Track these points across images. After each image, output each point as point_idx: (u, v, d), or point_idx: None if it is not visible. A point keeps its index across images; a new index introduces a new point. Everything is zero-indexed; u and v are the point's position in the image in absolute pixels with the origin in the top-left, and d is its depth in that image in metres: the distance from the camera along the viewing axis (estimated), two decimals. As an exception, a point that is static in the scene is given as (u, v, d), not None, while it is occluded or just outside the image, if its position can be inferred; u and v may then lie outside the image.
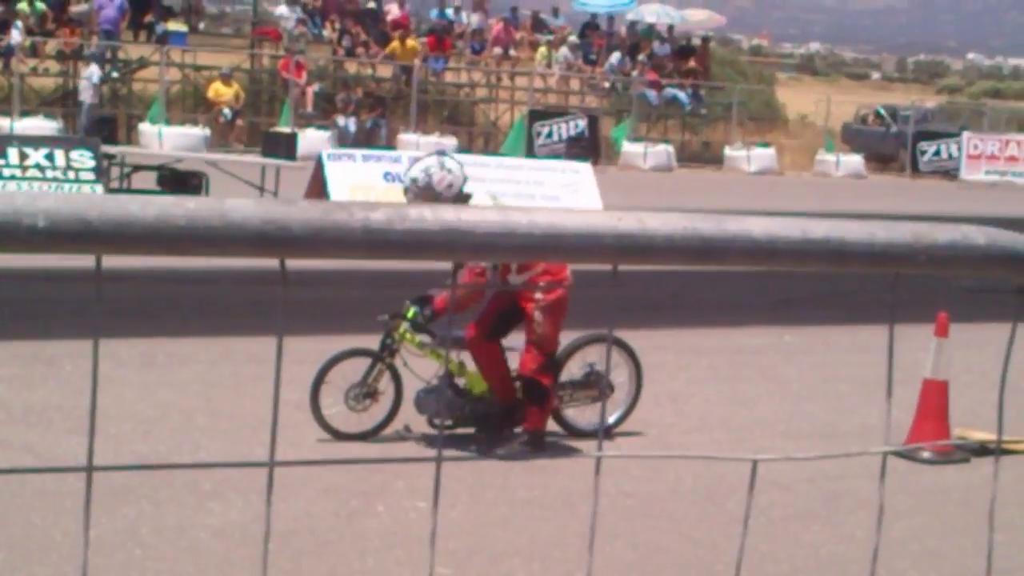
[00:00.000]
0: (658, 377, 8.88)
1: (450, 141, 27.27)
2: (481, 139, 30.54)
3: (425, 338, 7.45)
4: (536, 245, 1.21)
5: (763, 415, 8.75)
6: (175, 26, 28.37)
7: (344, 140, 26.22)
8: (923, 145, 33.81)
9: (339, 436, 7.50)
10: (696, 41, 36.89)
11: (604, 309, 8.25)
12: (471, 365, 7.58)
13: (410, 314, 7.37)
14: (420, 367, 7.48)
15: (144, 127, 25.03)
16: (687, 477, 6.99)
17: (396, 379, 7.59)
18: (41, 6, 26.86)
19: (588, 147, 27.66)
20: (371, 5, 32.05)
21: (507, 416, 7.50)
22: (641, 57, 33.68)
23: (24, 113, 24.58)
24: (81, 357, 7.60)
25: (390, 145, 26.20)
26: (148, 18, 28.28)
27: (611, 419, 7.75)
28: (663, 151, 29.68)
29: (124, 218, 1.01)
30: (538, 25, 35.20)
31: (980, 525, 5.40)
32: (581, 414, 7.85)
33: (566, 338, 7.44)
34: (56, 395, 8.16)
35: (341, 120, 27.24)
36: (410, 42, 30.55)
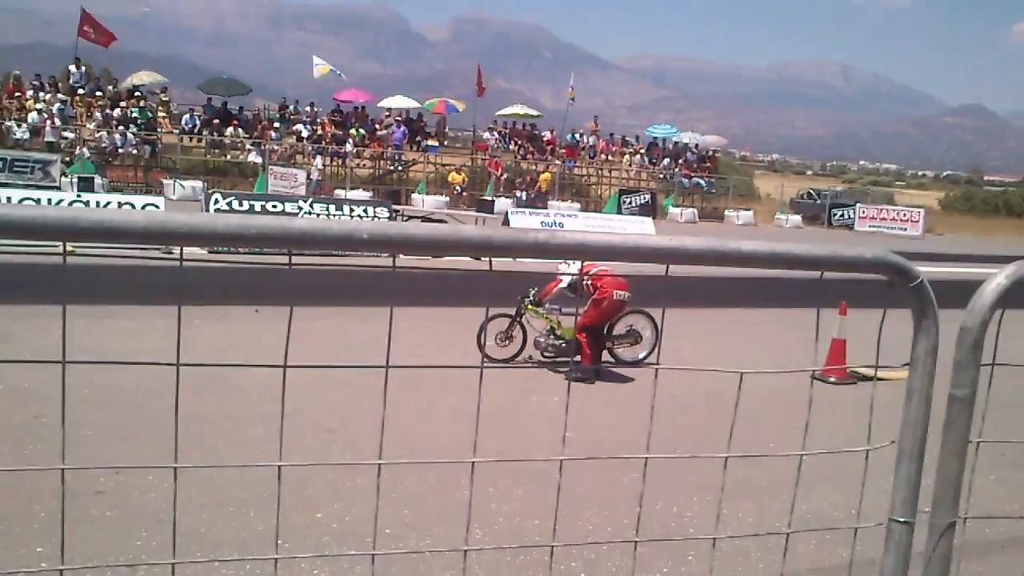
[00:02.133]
0: (682, 333, 11.60)
1: (576, 205, 36.22)
2: (593, 204, 38.29)
3: (539, 309, 10.10)
4: (627, 252, 1.59)
5: (748, 355, 11.27)
6: (431, 142, 38.11)
7: (519, 204, 34.17)
8: (835, 210, 42.72)
9: (493, 360, 9.92)
10: (711, 152, 45.14)
11: (651, 294, 10.58)
12: (566, 322, 10.09)
13: (530, 295, 10.11)
14: (536, 324, 10.26)
15: (415, 196, 33.99)
16: (697, 387, 9.05)
17: (523, 330, 10.24)
18: (361, 131, 36.92)
19: (650, 210, 35.95)
20: (536, 132, 41.40)
21: (576, 353, 10.07)
22: (680, 160, 42.37)
23: (352, 188, 33.07)
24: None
25: (544, 207, 33.57)
26: (417, 138, 38.20)
27: (641, 355, 10.32)
28: (690, 212, 38.58)
29: (405, 235, 1.43)
30: (625, 143, 43.97)
31: (860, 418, 6.07)
32: (626, 352, 10.35)
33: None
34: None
35: (518, 193, 36.36)
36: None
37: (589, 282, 9.80)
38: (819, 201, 44.66)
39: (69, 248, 1.33)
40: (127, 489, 5.80)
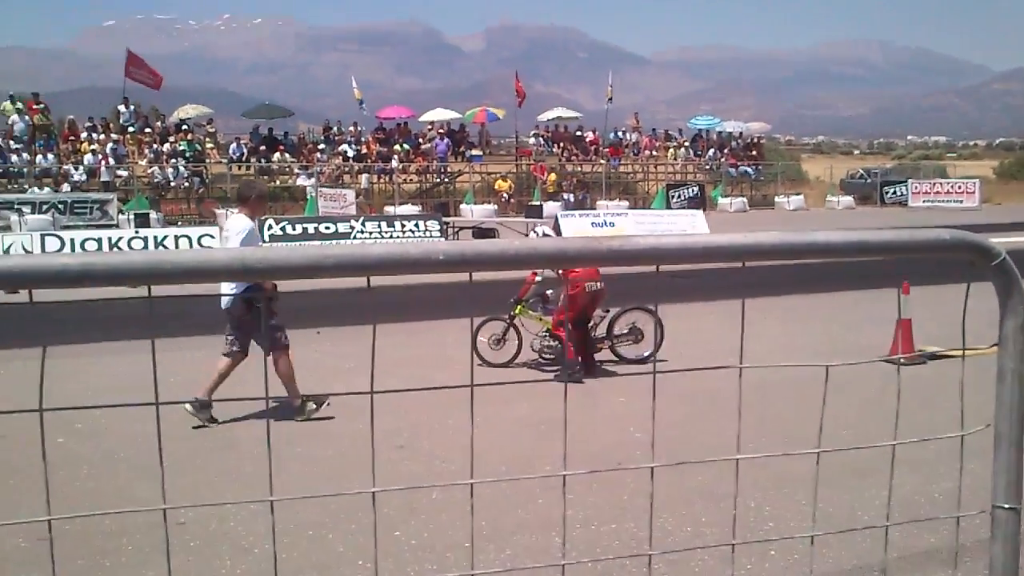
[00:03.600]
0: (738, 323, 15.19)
1: (624, 203, 36.12)
2: (641, 201, 38.29)
3: (531, 310, 10.02)
4: (703, 253, 1.55)
5: (812, 340, 10.88)
6: (475, 152, 38.44)
7: (568, 206, 33.46)
8: (886, 188, 42.21)
9: (489, 364, 9.95)
10: (755, 139, 45.13)
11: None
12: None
13: (525, 299, 10.06)
14: (532, 327, 10.18)
15: (463, 206, 34.27)
16: (757, 379, 8.66)
17: (518, 333, 10.12)
18: (405, 147, 37.41)
19: (699, 203, 35.62)
20: (578, 133, 41.52)
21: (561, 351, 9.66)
22: (725, 150, 42.36)
23: (401, 203, 33.61)
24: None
25: (592, 208, 33.78)
26: (461, 149, 38.50)
27: (644, 353, 10.08)
28: (740, 201, 38.59)
29: (479, 252, 1.41)
30: (669, 137, 43.91)
31: (937, 398, 7.35)
32: (629, 350, 10.23)
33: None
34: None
35: (565, 195, 35.74)
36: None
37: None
38: (870, 180, 44.21)
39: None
40: (207, 519, 5.84)
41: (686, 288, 14.42)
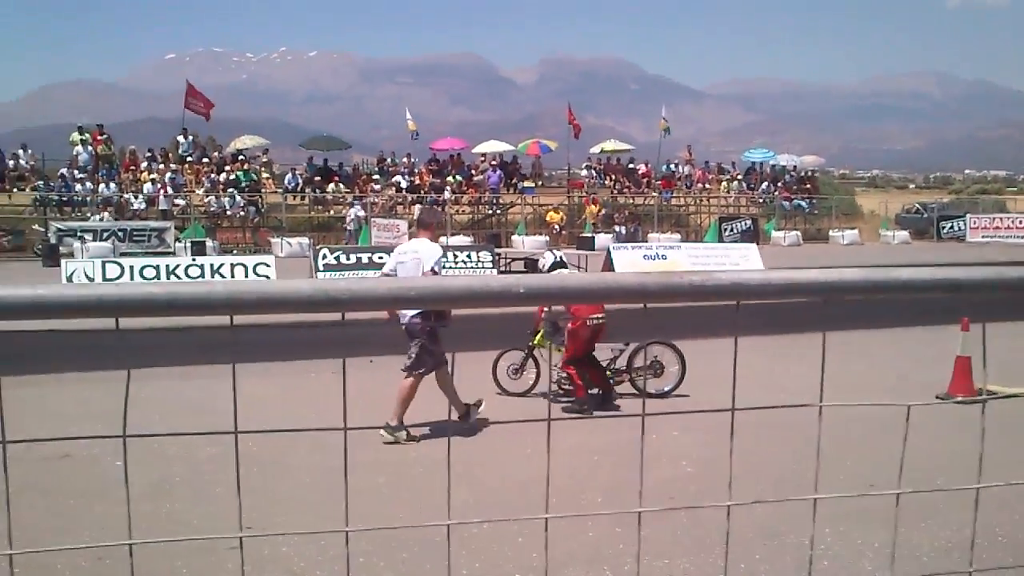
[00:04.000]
0: (787, 357, 11.85)
1: (676, 236, 35.81)
2: (693, 234, 37.94)
3: (547, 340, 9.84)
4: (784, 288, 1.53)
5: (864, 378, 10.69)
6: (527, 184, 38.35)
7: (619, 238, 33.18)
8: (943, 223, 41.30)
9: (507, 392, 10.08)
10: (810, 173, 44.68)
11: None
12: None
13: (541, 330, 10.08)
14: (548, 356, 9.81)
15: (515, 238, 34.73)
16: (768, 418, 8.23)
17: (536, 363, 10.21)
18: (458, 178, 37.66)
19: (752, 236, 35.37)
20: (631, 165, 41.41)
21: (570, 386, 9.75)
22: (779, 184, 41.99)
23: (453, 233, 33.51)
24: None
25: (644, 240, 33.43)
26: (513, 180, 38.53)
27: (666, 388, 9.95)
28: (794, 235, 37.97)
29: (563, 287, 1.44)
30: (722, 170, 43.73)
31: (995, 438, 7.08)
32: (649, 384, 10.08)
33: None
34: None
35: (617, 227, 35.80)
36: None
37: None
38: (926, 215, 43.47)
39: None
40: (259, 543, 5.87)
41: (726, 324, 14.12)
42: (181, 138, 36.46)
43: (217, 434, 1.44)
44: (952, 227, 41.41)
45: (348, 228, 32.99)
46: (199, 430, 7.36)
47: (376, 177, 37.19)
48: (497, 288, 1.29)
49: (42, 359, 11.96)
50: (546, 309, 9.77)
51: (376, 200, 35.08)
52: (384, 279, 1.24)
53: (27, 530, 6.19)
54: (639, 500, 1.78)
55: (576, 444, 8.17)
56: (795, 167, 44.48)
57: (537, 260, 11.85)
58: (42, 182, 32.98)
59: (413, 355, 8.53)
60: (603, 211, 37.66)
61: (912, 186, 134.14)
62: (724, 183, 42.30)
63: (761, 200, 41.82)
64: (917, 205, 46.85)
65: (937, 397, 9.54)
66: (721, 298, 1.46)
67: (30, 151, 34.73)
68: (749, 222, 37.28)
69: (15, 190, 32.61)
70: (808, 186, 42.99)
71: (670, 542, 5.95)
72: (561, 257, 10.41)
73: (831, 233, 39.69)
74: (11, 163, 33.60)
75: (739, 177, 42.84)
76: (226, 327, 1.29)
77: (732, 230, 36.44)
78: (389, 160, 39.16)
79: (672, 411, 9.33)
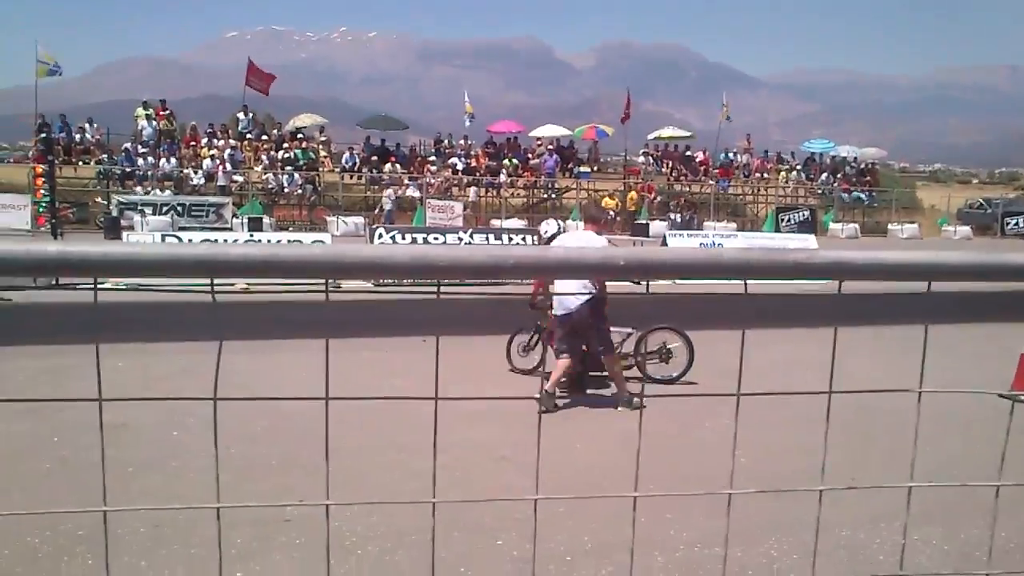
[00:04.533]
0: (850, 350, 10.22)
1: (732, 225, 35.61)
2: (749, 224, 37.73)
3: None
4: (891, 269, 1.47)
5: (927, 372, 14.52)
6: (583, 168, 38.43)
7: (674, 226, 32.94)
8: (1008, 219, 40.22)
9: (517, 370, 10.36)
10: (870, 165, 43.84)
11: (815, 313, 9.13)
12: None
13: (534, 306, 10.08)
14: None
15: (568, 222, 31.44)
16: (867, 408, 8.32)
17: (542, 340, 10.11)
18: (514, 161, 37.52)
19: (810, 227, 34.94)
20: (688, 153, 40.96)
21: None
22: (839, 175, 41.50)
23: (507, 216, 33.77)
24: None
25: (699, 228, 33.09)
26: (570, 165, 38.68)
27: (674, 374, 10.05)
28: (852, 227, 37.53)
29: (661, 260, 1.41)
30: (780, 160, 43.17)
31: None
32: (657, 370, 10.11)
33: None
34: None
35: (672, 215, 35.53)
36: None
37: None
38: (990, 210, 42.38)
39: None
40: (312, 517, 5.92)
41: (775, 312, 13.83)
42: (241, 115, 36.86)
43: (310, 400, 1.44)
44: (1017, 223, 40.48)
45: (386, 208, 33.20)
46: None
47: (432, 159, 37.18)
48: (594, 260, 1.28)
49: (138, 328, 12.10)
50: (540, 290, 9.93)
51: (432, 181, 35.08)
52: (480, 246, 1.23)
53: (89, 493, 6.32)
54: (678, 486, 1.74)
55: (626, 430, 8.13)
56: (855, 158, 43.73)
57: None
58: (106, 156, 33.53)
59: (565, 345, 8.97)
60: (659, 198, 37.54)
61: (975, 181, 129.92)
62: (783, 173, 41.78)
63: (820, 191, 41.29)
64: (980, 200, 45.80)
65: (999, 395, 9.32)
66: (823, 276, 1.42)
67: (95, 125, 35.29)
68: (807, 213, 36.84)
69: (80, 163, 33.18)
70: (868, 178, 42.23)
71: (722, 532, 5.90)
72: (562, 226, 10.79)
73: (890, 227, 39.10)
74: (77, 137, 34.17)
75: (798, 167, 42.31)
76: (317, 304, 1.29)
77: (789, 220, 36.13)
78: (446, 142, 39.08)
79: (678, 394, 9.22)
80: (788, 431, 7.81)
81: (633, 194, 36.74)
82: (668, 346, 10.09)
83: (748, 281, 1.42)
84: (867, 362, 11.41)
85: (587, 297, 8.64)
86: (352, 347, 11.36)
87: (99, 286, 1.26)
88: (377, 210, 33.45)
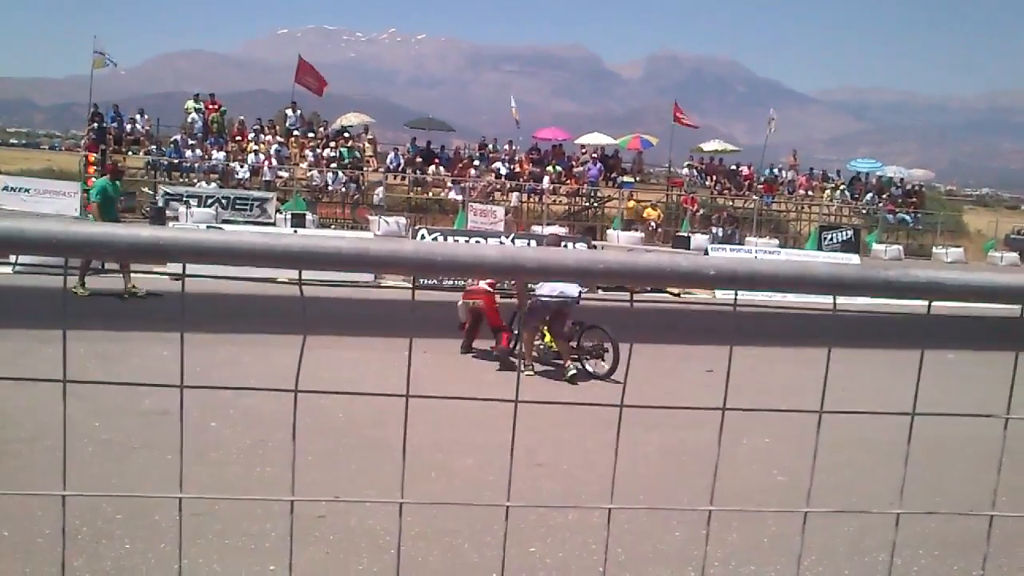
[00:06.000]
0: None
1: (774, 242, 34.91)
2: (792, 241, 37.45)
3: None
4: (981, 291, 1.48)
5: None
6: (627, 178, 38.29)
7: (715, 240, 32.02)
8: None
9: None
10: (917, 187, 42.96)
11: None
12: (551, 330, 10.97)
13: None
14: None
15: (609, 232, 33.62)
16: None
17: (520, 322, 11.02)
18: (558, 168, 37.39)
19: (853, 247, 34.43)
20: (732, 167, 40.85)
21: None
22: (884, 195, 40.74)
23: (548, 223, 32.75)
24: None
25: (741, 243, 32.79)
26: (613, 174, 38.54)
27: (600, 373, 10.73)
28: (896, 249, 36.77)
29: (752, 270, 1.39)
30: (826, 178, 42.67)
31: None
32: (589, 364, 10.89)
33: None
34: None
35: (714, 228, 34.76)
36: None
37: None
38: (1042, 237, 41.33)
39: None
40: (347, 514, 5.98)
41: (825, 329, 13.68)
42: (289, 111, 37.12)
43: (382, 395, 1.45)
44: (1069, 253, 39.30)
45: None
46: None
47: (476, 163, 37.27)
48: (686, 268, 1.28)
49: (221, 320, 12.30)
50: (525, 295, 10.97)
51: (475, 185, 35.15)
52: (572, 251, 1.24)
53: (130, 479, 6.43)
54: (711, 500, 1.73)
55: (660, 444, 8.11)
56: (902, 179, 43.20)
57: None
58: (155, 147, 33.97)
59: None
60: (701, 211, 37.24)
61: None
62: (827, 191, 41.23)
63: (864, 211, 40.75)
64: (1031, 226, 44.76)
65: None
66: (915, 296, 1.41)
67: (146, 116, 35.74)
68: (851, 232, 36.34)
69: (130, 153, 33.64)
70: (914, 200, 41.61)
71: (757, 548, 5.87)
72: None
73: (934, 250, 38.53)
74: (128, 127, 34.64)
75: (843, 186, 41.73)
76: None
77: (832, 239, 35.58)
78: (490, 146, 39.06)
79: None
80: (859, 454, 7.80)
81: (652, 211, 36.41)
82: (603, 344, 10.88)
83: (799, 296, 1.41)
84: (955, 383, 11.16)
85: (576, 293, 10.62)
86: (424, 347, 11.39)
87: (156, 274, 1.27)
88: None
